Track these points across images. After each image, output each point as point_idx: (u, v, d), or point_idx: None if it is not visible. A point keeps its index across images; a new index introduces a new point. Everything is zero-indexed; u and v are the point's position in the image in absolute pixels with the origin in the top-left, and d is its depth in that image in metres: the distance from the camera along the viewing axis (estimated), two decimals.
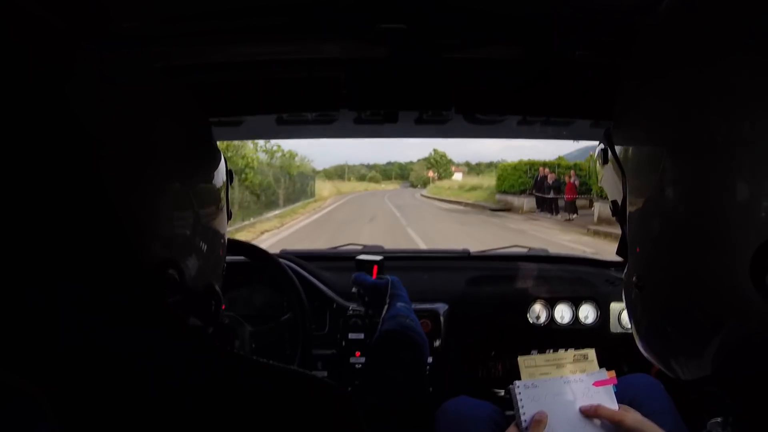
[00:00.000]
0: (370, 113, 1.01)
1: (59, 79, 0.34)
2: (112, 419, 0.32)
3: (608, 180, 0.50)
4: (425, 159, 64.67)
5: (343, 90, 0.88)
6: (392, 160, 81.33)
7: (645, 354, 0.46)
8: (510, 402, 0.80)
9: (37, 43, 0.34)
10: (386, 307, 0.93)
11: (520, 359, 0.82)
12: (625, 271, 0.47)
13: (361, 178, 66.27)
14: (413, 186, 59.93)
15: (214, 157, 0.51)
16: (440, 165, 61.05)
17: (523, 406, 0.77)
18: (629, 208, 0.45)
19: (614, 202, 0.49)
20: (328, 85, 0.90)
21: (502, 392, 1.33)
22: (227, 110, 0.98)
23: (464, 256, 1.59)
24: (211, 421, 0.35)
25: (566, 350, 0.85)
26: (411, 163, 74.35)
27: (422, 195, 34.59)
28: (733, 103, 0.33)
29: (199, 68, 0.89)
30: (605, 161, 0.50)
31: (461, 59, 0.86)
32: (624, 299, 0.49)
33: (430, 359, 1.24)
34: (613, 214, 0.49)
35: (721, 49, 0.34)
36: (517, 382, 0.80)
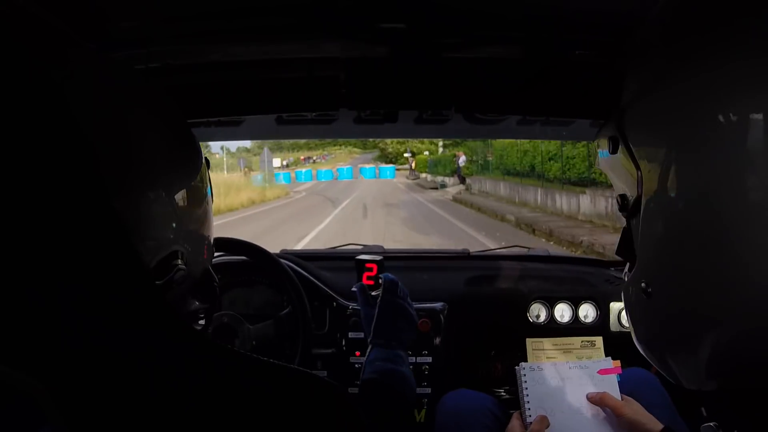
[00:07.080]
0: (370, 113, 1.00)
1: (59, 79, 0.34)
2: (112, 419, 0.32)
3: (616, 171, 0.44)
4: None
5: (343, 89, 0.88)
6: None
7: (644, 354, 0.43)
8: (510, 402, 0.80)
9: (36, 43, 0.34)
10: (369, 345, 0.89)
11: (529, 341, 0.82)
12: (632, 271, 0.41)
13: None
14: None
15: (195, 146, 0.53)
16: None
17: (527, 388, 0.77)
18: (645, 207, 0.38)
19: (622, 196, 0.42)
20: (328, 85, 0.90)
21: (501, 392, 1.33)
22: (227, 110, 0.98)
23: (464, 256, 1.60)
24: (211, 421, 0.35)
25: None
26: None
27: None
28: (742, 98, 0.31)
29: (198, 68, 0.89)
30: (614, 151, 0.43)
31: (461, 59, 0.86)
32: (623, 298, 0.45)
33: (429, 359, 1.24)
34: (620, 209, 0.43)
35: (725, 46, 0.32)
36: (523, 364, 0.80)
